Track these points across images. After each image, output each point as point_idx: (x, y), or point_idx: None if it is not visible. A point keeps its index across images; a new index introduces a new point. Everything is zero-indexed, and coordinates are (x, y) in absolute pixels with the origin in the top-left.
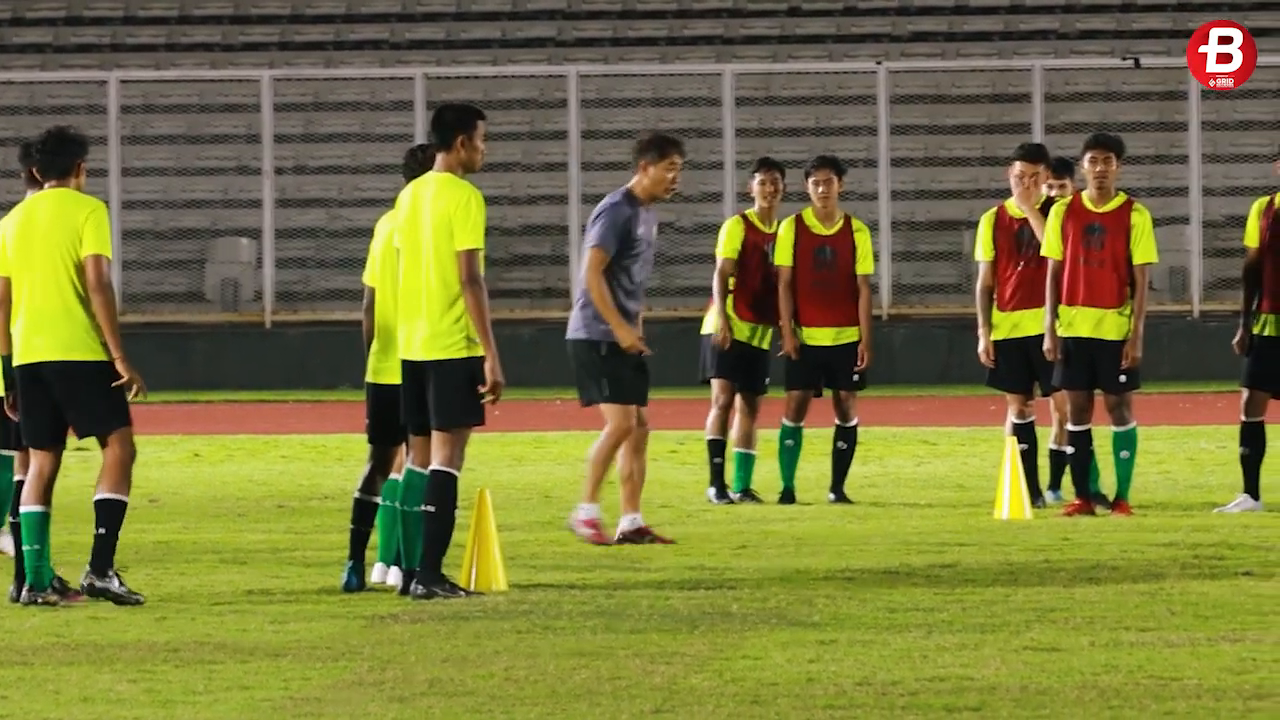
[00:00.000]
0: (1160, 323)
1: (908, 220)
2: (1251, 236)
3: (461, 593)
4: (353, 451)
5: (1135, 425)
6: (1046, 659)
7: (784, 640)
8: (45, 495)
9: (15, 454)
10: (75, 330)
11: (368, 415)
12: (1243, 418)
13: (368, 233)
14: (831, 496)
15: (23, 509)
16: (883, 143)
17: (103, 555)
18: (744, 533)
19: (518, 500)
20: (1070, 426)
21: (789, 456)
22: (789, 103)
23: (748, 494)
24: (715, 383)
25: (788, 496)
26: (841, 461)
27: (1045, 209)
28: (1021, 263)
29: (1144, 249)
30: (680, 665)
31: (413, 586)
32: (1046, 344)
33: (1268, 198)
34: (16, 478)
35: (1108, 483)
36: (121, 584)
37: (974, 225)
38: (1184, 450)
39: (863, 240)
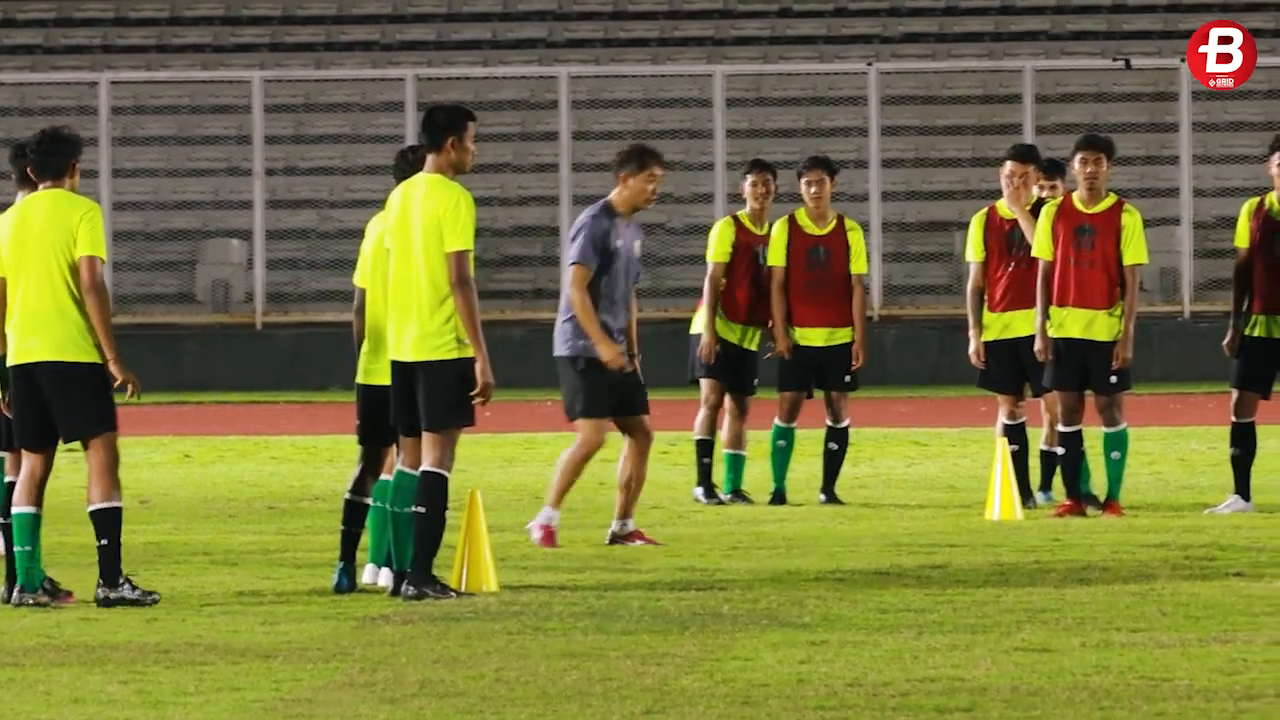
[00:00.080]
0: (1151, 324)
1: (898, 221)
2: (1242, 237)
3: (452, 594)
4: (343, 453)
5: (1126, 426)
6: (1037, 660)
7: (775, 641)
8: (37, 496)
9: (7, 455)
10: (69, 331)
11: (358, 416)
12: (1233, 419)
13: (358, 234)
14: (822, 497)
15: (14, 510)
16: (873, 144)
17: (110, 566)
18: (735, 534)
19: (508, 501)
20: (1061, 427)
21: (780, 457)
22: (780, 104)
23: (739, 495)
24: (704, 383)
25: (778, 497)
26: (833, 462)
27: (1036, 210)
28: (1012, 264)
29: (1134, 250)
30: (671, 666)
31: (403, 588)
32: (1037, 345)
33: (1258, 199)
34: (8, 479)
35: (1099, 483)
36: (134, 588)
37: (965, 226)
38: (1175, 451)
39: (856, 240)
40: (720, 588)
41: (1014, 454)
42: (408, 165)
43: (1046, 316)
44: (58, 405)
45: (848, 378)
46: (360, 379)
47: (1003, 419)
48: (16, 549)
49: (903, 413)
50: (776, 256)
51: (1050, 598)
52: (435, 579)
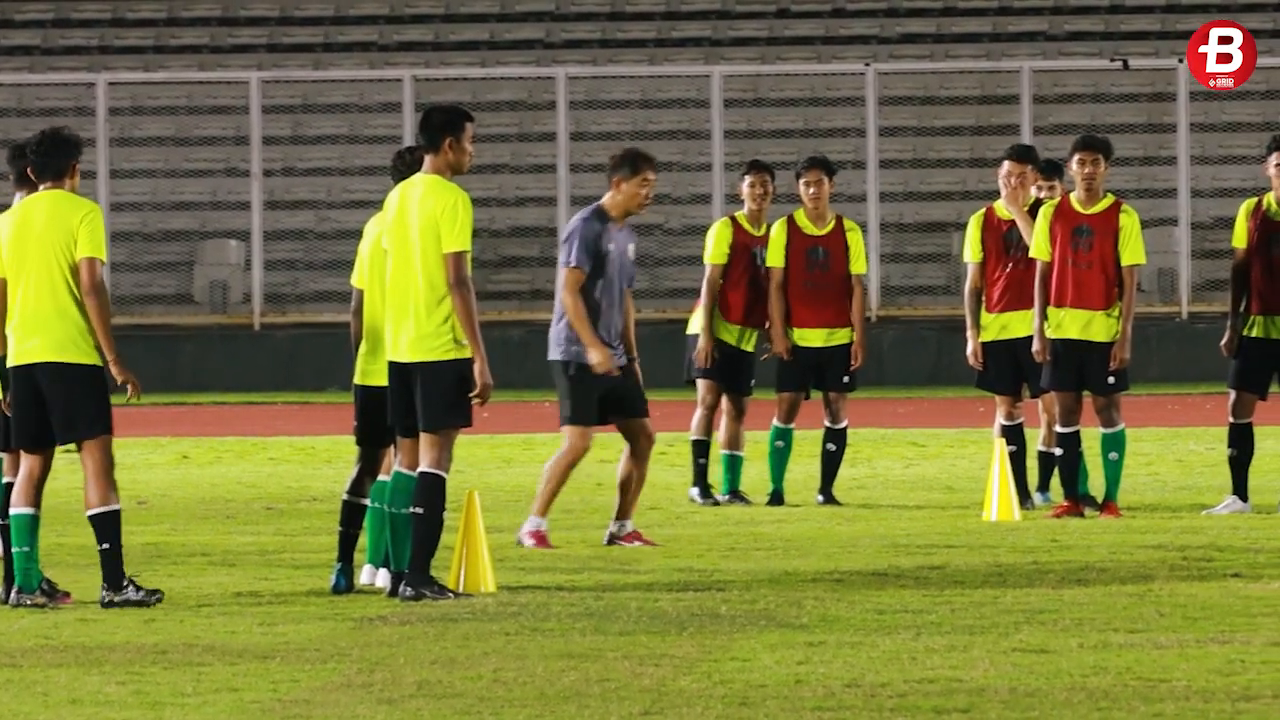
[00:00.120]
0: (1148, 324)
1: (896, 222)
2: (1240, 238)
3: (450, 594)
4: (341, 453)
5: (1124, 427)
6: (1035, 661)
7: (772, 642)
8: (35, 497)
9: (4, 456)
10: (69, 332)
11: (356, 417)
12: (1230, 419)
13: (356, 235)
14: (820, 498)
15: (12, 511)
16: (871, 144)
17: (113, 569)
18: (733, 535)
19: (506, 502)
20: (1059, 428)
21: (779, 458)
22: (778, 104)
23: (736, 495)
24: (701, 383)
25: (776, 498)
26: (831, 463)
27: (1034, 210)
28: (1010, 264)
29: (1132, 250)
30: (669, 667)
31: (401, 588)
32: (1035, 346)
33: (1256, 199)
34: (5, 479)
35: (1096, 484)
36: (138, 589)
37: (962, 227)
38: (1172, 452)
39: (855, 240)
40: (718, 588)
41: (1012, 455)
42: (405, 166)
43: (1044, 317)
44: (56, 406)
45: (846, 378)
46: (358, 380)
47: (1000, 420)
48: (15, 550)
49: (901, 413)
50: (775, 257)
51: (1048, 598)
52: (433, 580)
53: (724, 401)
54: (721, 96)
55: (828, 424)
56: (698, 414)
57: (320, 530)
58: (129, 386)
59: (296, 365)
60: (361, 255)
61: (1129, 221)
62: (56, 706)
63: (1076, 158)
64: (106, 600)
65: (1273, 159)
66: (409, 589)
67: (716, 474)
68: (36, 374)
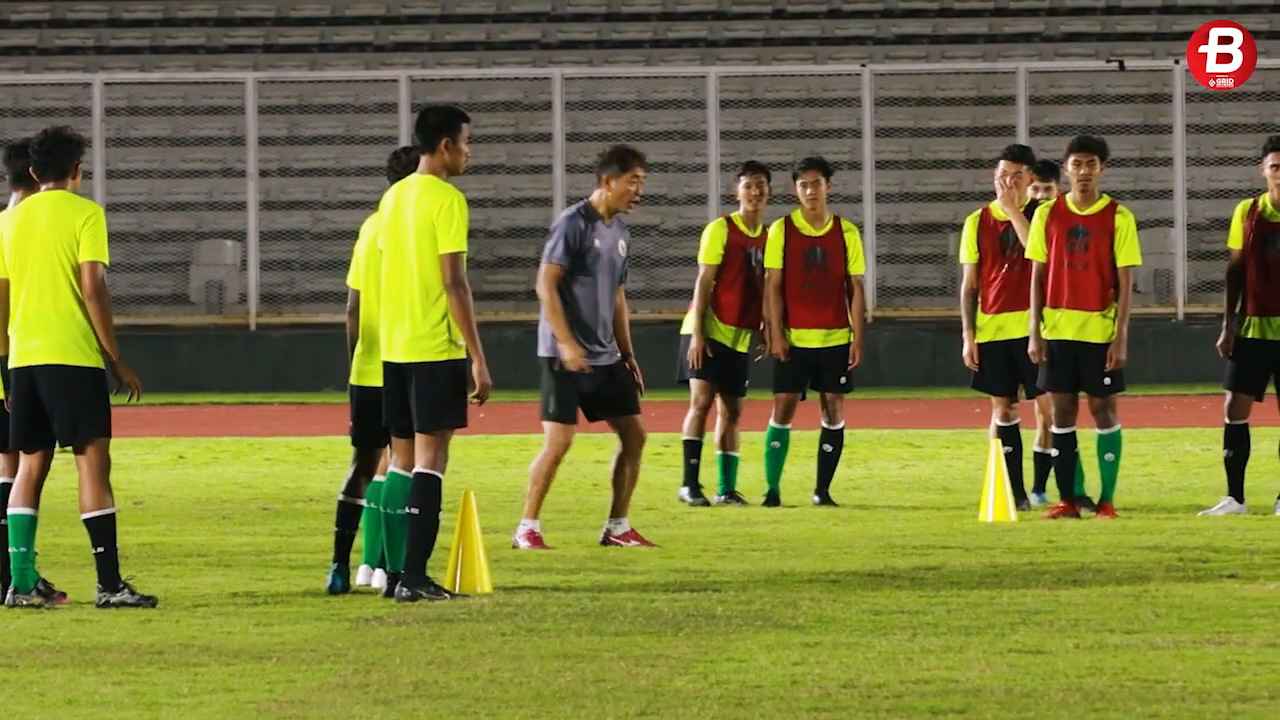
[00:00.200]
0: (1145, 325)
1: (892, 223)
2: (1235, 239)
3: (446, 595)
4: (337, 454)
5: (1120, 428)
6: (1031, 661)
7: (769, 643)
8: (34, 498)
9: (2, 457)
10: (70, 334)
11: (352, 418)
12: (1226, 420)
13: (352, 235)
14: (816, 499)
15: (10, 511)
16: (867, 145)
17: (109, 572)
18: (729, 535)
19: (502, 503)
20: (1055, 429)
21: (775, 459)
22: (774, 105)
23: (733, 496)
24: (694, 383)
25: (772, 499)
26: (827, 464)
27: (1030, 212)
28: (1006, 265)
29: (1128, 251)
30: (665, 667)
31: (397, 589)
32: (1031, 347)
33: (1251, 200)
34: (2, 480)
35: (1092, 485)
36: (133, 593)
37: (959, 228)
38: (1168, 453)
39: (853, 241)
40: (714, 589)
41: (1008, 456)
42: (401, 166)
43: (1040, 318)
44: (56, 408)
45: (843, 379)
46: (354, 380)
47: (996, 421)
48: (12, 550)
49: (897, 414)
50: (773, 258)
51: (1044, 599)
52: (429, 580)
53: (719, 402)
54: (717, 97)
55: (824, 425)
56: (690, 414)
57: (316, 531)
58: (130, 388)
59: (292, 366)
60: (357, 256)
61: (1124, 222)
62: (53, 707)
63: (1072, 159)
64: (102, 601)
65: (1268, 160)
66: (405, 589)
67: (708, 475)
68: (37, 376)
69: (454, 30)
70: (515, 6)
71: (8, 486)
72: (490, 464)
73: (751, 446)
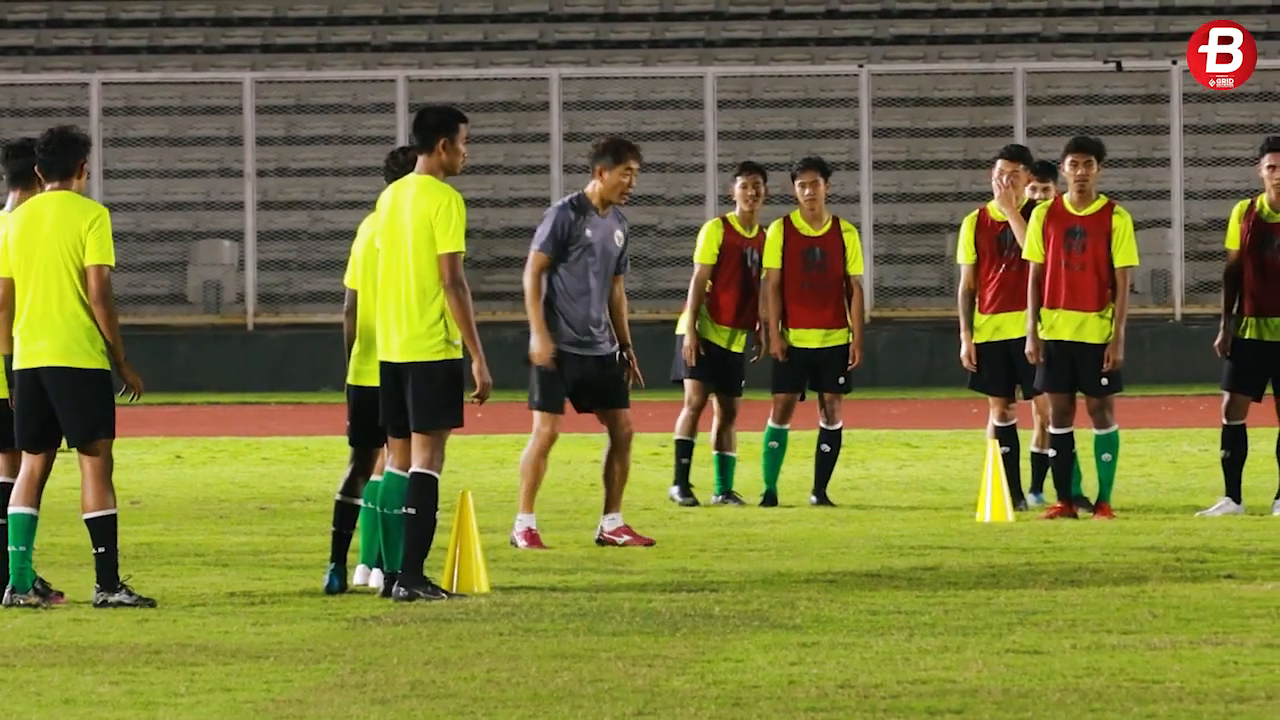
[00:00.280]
0: (1142, 326)
1: (890, 223)
2: (1233, 239)
3: (443, 595)
4: (334, 454)
5: (1117, 428)
6: (1028, 662)
7: (766, 643)
8: (35, 498)
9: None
10: (75, 335)
11: (349, 417)
12: (1224, 421)
13: (349, 235)
14: (813, 499)
15: (11, 510)
16: (865, 145)
17: (108, 572)
18: (726, 535)
19: (500, 502)
20: (1052, 429)
21: (773, 459)
22: (771, 105)
23: (730, 496)
24: (688, 384)
25: (770, 499)
26: (825, 464)
27: (1028, 212)
28: (1003, 266)
29: (1125, 252)
30: (662, 667)
31: (394, 589)
32: (1028, 347)
33: (1249, 201)
34: (2, 479)
35: (1089, 486)
36: (131, 593)
37: (956, 228)
38: (1166, 453)
39: (852, 241)
40: (711, 589)
41: (1005, 456)
42: (398, 166)
43: (1037, 319)
44: (63, 409)
45: (842, 380)
46: (351, 380)
47: (994, 421)
48: (11, 549)
49: (894, 415)
50: (772, 258)
51: (1041, 600)
52: (426, 580)
53: (714, 403)
54: (715, 97)
55: (822, 425)
56: (684, 414)
57: (314, 530)
58: (133, 389)
59: (290, 365)
60: (355, 256)
61: (1122, 223)
62: (50, 706)
63: (1069, 159)
64: (100, 601)
65: (1265, 161)
66: (402, 589)
67: (699, 475)
68: (43, 377)
69: (451, 30)
70: (513, 7)
71: (6, 486)
72: (488, 464)
73: (749, 447)
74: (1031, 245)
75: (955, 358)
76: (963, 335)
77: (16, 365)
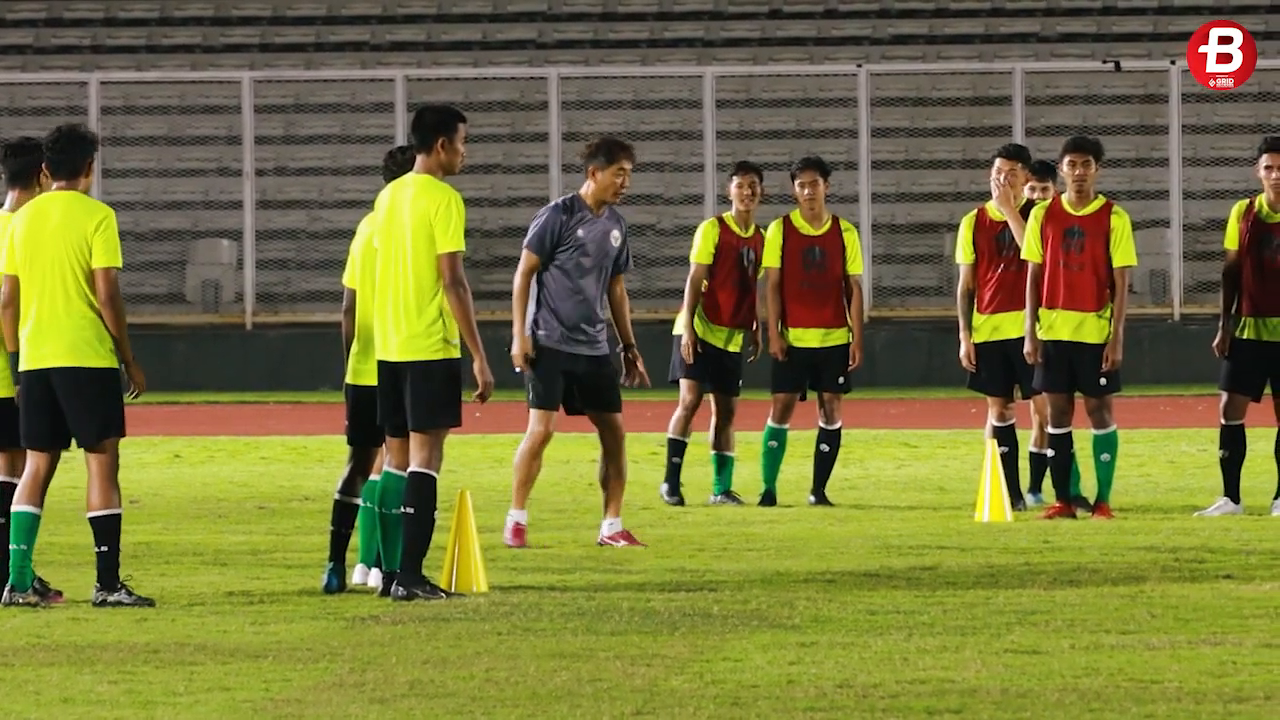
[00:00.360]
0: (1141, 326)
1: (888, 223)
2: (1231, 239)
3: (442, 594)
4: (333, 453)
5: (1115, 428)
6: (1027, 662)
7: (764, 642)
8: (39, 497)
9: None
10: (84, 335)
11: (347, 417)
12: (1222, 421)
13: (348, 234)
14: (812, 499)
15: (15, 509)
16: (863, 145)
17: (109, 571)
18: (725, 535)
19: (499, 502)
20: (1050, 429)
21: (772, 458)
22: (770, 105)
23: (729, 496)
24: (683, 383)
25: (768, 498)
26: (824, 464)
27: (1026, 212)
28: (1002, 265)
29: (1123, 252)
30: (661, 667)
31: (393, 588)
32: (1027, 347)
33: (1247, 201)
34: (1, 479)
35: (1088, 486)
36: (130, 593)
37: (955, 228)
38: (1164, 453)
39: (851, 241)
40: (710, 589)
41: (1003, 456)
42: (397, 166)
43: (1036, 319)
44: (72, 409)
45: (842, 379)
46: (349, 379)
47: (992, 421)
48: (13, 547)
49: (893, 414)
50: (772, 258)
51: (1040, 600)
52: (425, 579)
53: (712, 403)
54: (714, 97)
55: (822, 424)
56: (677, 414)
57: (312, 530)
58: (136, 388)
59: (288, 365)
60: (353, 255)
61: (1120, 223)
62: (48, 705)
63: (1067, 159)
64: (99, 600)
65: (1263, 161)
66: (401, 589)
67: (697, 475)
68: (53, 378)
69: (450, 30)
70: (511, 6)
71: (5, 486)
72: (486, 463)
73: (748, 446)
74: (1030, 245)
75: (954, 357)
76: (962, 335)
77: (25, 365)
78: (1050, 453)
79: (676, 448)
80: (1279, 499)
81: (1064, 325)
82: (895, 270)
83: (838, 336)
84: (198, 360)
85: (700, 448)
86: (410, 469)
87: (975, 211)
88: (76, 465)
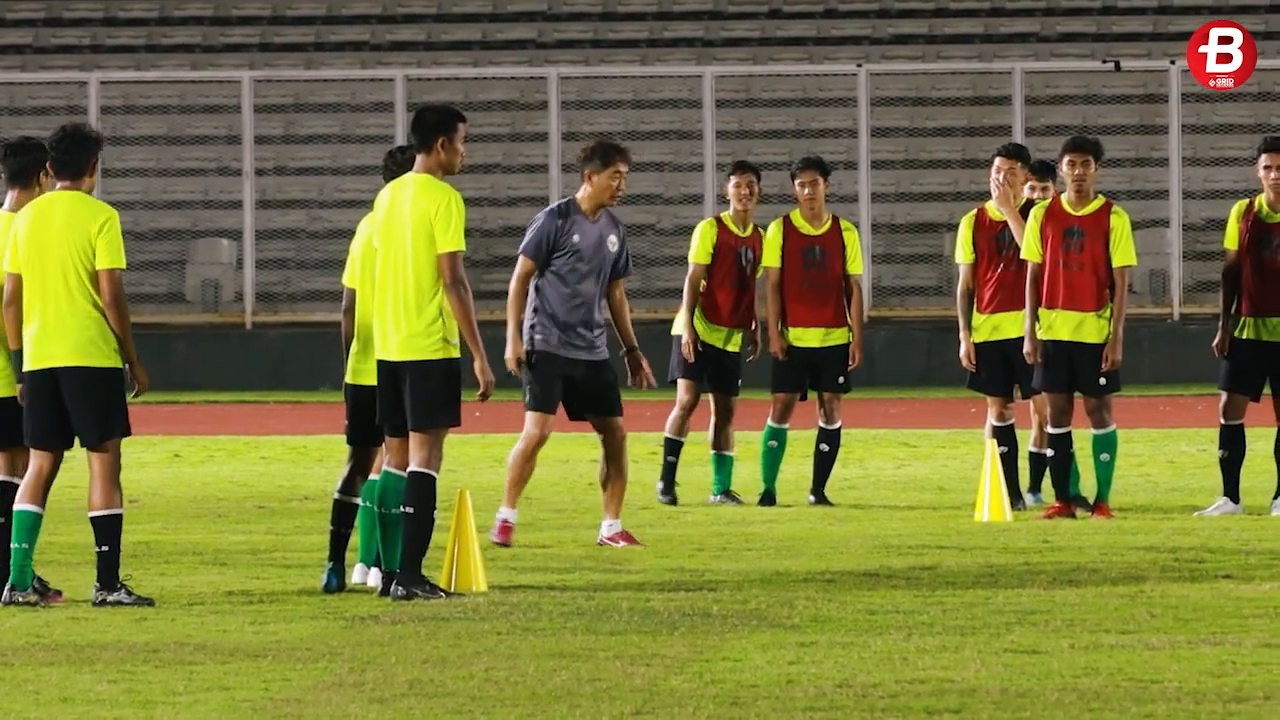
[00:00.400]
0: (1140, 325)
1: (888, 223)
2: (1231, 239)
3: (441, 594)
4: (333, 453)
5: (1115, 428)
6: (1027, 661)
7: (764, 642)
8: (42, 497)
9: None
10: (89, 335)
11: (347, 416)
12: (1222, 421)
13: (348, 234)
14: (812, 498)
15: (18, 507)
16: (863, 145)
17: (109, 571)
18: (724, 534)
19: (498, 502)
20: (1050, 429)
21: (771, 458)
22: (769, 105)
23: (728, 495)
24: (681, 383)
25: (768, 498)
26: (823, 463)
27: (1026, 211)
28: (1001, 265)
29: (1123, 252)
30: (660, 667)
31: (393, 588)
32: (1026, 347)
33: (1247, 201)
34: (1, 478)
35: (1088, 485)
36: (130, 593)
37: (954, 228)
38: (1164, 453)
39: (851, 240)
40: (710, 588)
41: (1003, 456)
42: (397, 165)
43: (1035, 318)
44: (78, 409)
45: (842, 379)
46: (349, 379)
47: (992, 420)
48: (14, 546)
49: (892, 414)
50: (772, 257)
51: (1039, 599)
52: (424, 579)
53: (711, 403)
54: (713, 97)
55: (821, 424)
56: (674, 413)
57: (312, 529)
58: (139, 387)
59: (288, 364)
60: (353, 254)
61: (1120, 223)
62: (48, 705)
63: (1066, 159)
64: (99, 599)
65: (1262, 161)
66: (400, 588)
67: (696, 474)
68: (60, 378)
69: (450, 29)
70: (511, 6)
71: (4, 485)
72: (486, 463)
73: (748, 446)
74: (1029, 245)
75: (953, 357)
76: (961, 335)
77: (30, 365)
78: (1050, 452)
79: (672, 447)
80: (1278, 499)
81: (1063, 325)
82: (895, 270)
83: (838, 336)
84: (197, 360)
85: (700, 447)
86: (410, 469)
87: (975, 211)
88: (77, 465)
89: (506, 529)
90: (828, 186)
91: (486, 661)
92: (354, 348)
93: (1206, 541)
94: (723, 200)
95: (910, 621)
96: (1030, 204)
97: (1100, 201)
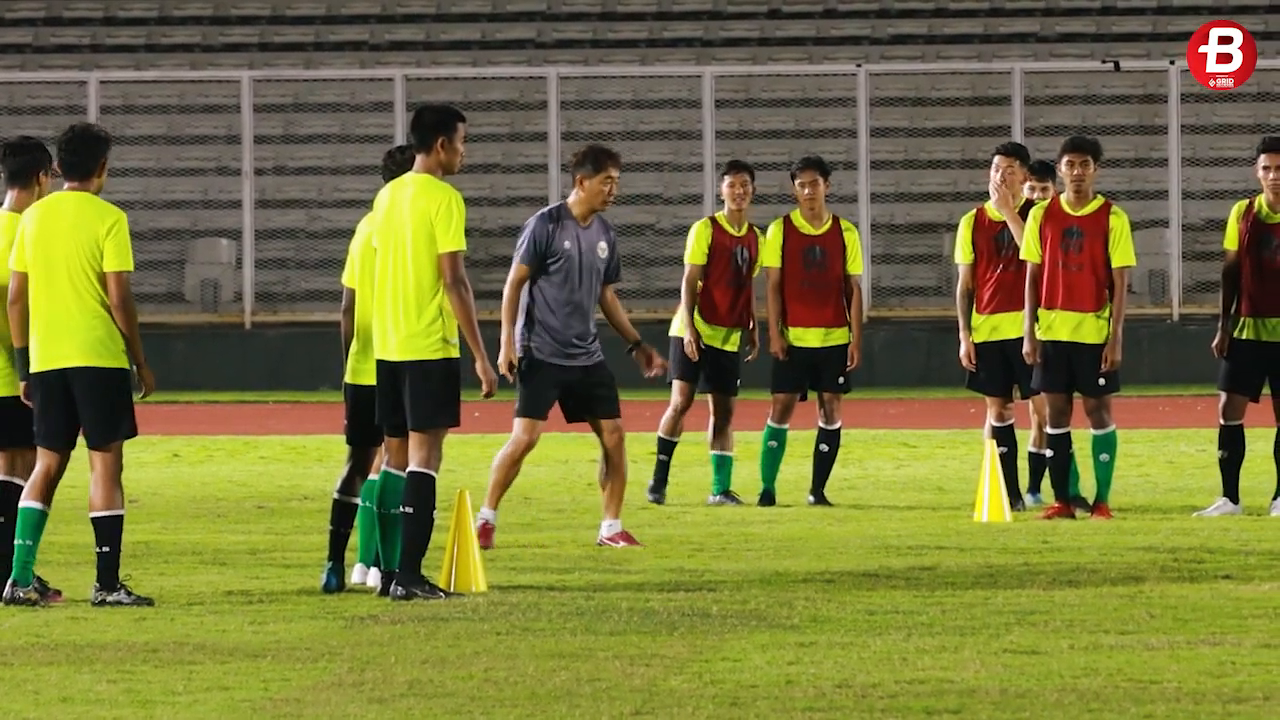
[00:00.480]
0: (1140, 326)
1: (888, 223)
2: (1231, 240)
3: (441, 594)
4: (332, 453)
5: (1114, 428)
6: (1026, 662)
7: (763, 642)
8: (47, 495)
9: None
10: (98, 335)
11: (346, 416)
12: (1221, 421)
13: (347, 234)
14: (811, 499)
15: (23, 505)
16: (862, 145)
17: (109, 571)
18: (724, 535)
19: None
20: (1049, 429)
21: (771, 458)
22: (769, 105)
23: (728, 495)
24: (675, 384)
25: (767, 498)
26: (823, 464)
27: (1026, 212)
28: (1001, 266)
29: (1122, 252)
30: (660, 667)
31: (392, 588)
32: (1026, 347)
33: (1247, 201)
34: (1, 478)
35: (1087, 486)
36: (129, 593)
37: (954, 228)
38: (1163, 453)
39: (852, 240)
40: (709, 589)
41: (1002, 456)
42: (396, 165)
43: (1035, 319)
44: (86, 409)
45: (841, 379)
46: (349, 379)
47: (991, 421)
48: (18, 543)
49: (892, 414)
50: (772, 257)
51: (1039, 600)
52: (424, 579)
53: (710, 403)
54: (713, 97)
55: (821, 424)
56: (667, 414)
57: (311, 529)
58: (145, 388)
59: (287, 364)
60: (352, 254)
61: (1119, 223)
62: (47, 705)
63: (1065, 159)
64: (98, 599)
65: (1261, 161)
66: (400, 588)
67: (696, 475)
68: (69, 378)
69: (449, 29)
70: (510, 6)
71: (4, 485)
72: (485, 463)
73: (747, 446)
74: (1029, 245)
75: (953, 357)
76: (961, 335)
77: (38, 366)
78: (1049, 453)
79: (664, 447)
80: (1278, 499)
81: (1063, 325)
82: (894, 270)
83: (838, 336)
84: (197, 359)
85: (699, 447)
86: (409, 469)
87: (974, 211)
88: (77, 465)
89: (487, 530)
90: (828, 186)
91: (486, 662)
92: (353, 348)
93: (1206, 542)
94: (722, 201)
95: (910, 622)
96: (1030, 204)
97: (1099, 202)
